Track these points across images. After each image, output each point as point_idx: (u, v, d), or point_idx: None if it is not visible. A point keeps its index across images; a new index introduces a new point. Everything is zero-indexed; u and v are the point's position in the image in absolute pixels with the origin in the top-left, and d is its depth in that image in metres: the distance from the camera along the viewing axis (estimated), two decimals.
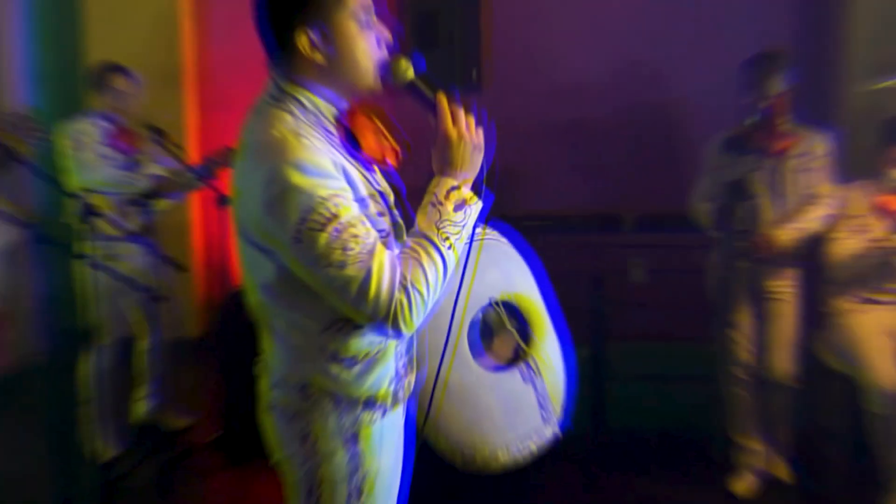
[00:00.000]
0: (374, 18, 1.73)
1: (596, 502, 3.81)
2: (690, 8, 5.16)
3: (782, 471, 3.89)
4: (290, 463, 1.82)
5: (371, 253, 1.56)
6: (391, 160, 1.86)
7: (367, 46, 1.71)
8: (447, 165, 1.69)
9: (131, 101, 4.23)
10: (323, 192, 1.55)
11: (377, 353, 1.77)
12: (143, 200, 4.05)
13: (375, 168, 1.80)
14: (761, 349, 3.75)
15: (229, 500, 3.89)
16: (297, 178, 1.54)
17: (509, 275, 2.24)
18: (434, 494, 2.44)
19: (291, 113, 1.67)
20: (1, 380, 5.07)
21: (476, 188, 1.74)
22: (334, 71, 1.70)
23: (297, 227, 1.54)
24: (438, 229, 1.65)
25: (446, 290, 1.71)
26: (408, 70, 1.73)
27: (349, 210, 1.57)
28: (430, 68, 4.94)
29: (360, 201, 1.65)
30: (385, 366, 1.80)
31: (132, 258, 4.14)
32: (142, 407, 4.54)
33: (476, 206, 1.71)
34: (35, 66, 5.67)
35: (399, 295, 1.57)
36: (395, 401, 1.85)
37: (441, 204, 1.66)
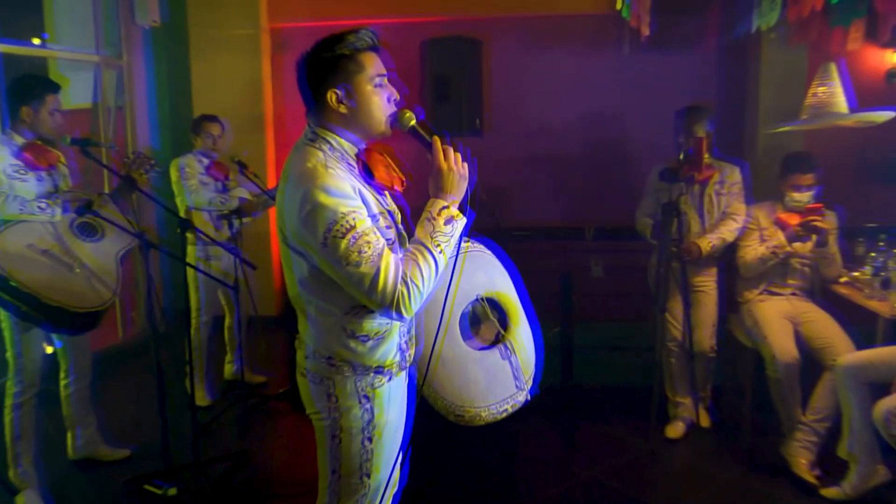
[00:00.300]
0: (386, 81, 1.77)
1: (564, 444, 3.75)
2: (641, 68, 5.12)
3: (704, 419, 3.82)
4: (319, 415, 1.83)
5: (380, 255, 1.60)
6: (398, 186, 1.87)
7: (380, 102, 1.75)
8: (439, 190, 1.71)
9: (221, 142, 4.23)
10: (343, 209, 1.60)
11: (385, 331, 1.79)
12: (232, 216, 4.06)
13: (385, 193, 1.83)
14: (689, 328, 3.68)
15: (292, 438, 3.88)
16: (324, 199, 1.59)
17: (492, 277, 2.21)
18: (432, 443, 2.44)
19: (322, 150, 1.70)
20: (129, 346, 5.13)
21: (462, 208, 1.75)
22: (355, 120, 1.74)
23: (324, 235, 1.59)
24: (432, 238, 1.67)
25: (438, 284, 1.72)
26: (410, 119, 1.76)
27: (363, 223, 1.61)
28: (443, 117, 4.94)
29: (373, 217, 1.67)
30: (391, 341, 1.81)
31: (221, 258, 4.16)
32: (230, 367, 4.57)
33: (461, 222, 1.72)
34: (157, 116, 5.71)
35: (401, 287, 1.61)
36: (399, 368, 1.85)
37: (434, 219, 1.68)
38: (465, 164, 1.71)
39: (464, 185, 1.71)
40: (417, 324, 1.95)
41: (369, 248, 1.60)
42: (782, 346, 3.34)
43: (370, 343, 1.78)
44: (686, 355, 3.73)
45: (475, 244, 2.17)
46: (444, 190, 1.70)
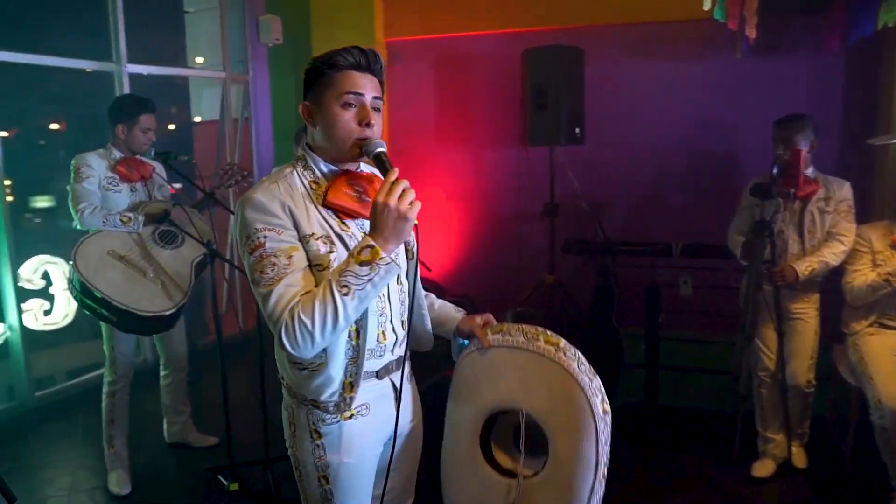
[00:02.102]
0: (364, 104, 1.53)
1: (641, 469, 3.35)
2: (749, 75, 4.52)
3: (799, 459, 3.26)
4: (287, 444, 1.69)
5: (278, 279, 1.45)
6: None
7: (344, 122, 1.52)
8: (371, 227, 1.45)
9: None
10: (258, 225, 1.48)
11: (318, 364, 1.55)
12: None
13: (344, 217, 1.58)
14: (783, 359, 3.15)
15: None
16: (246, 212, 1.49)
17: (549, 393, 1.69)
18: None
19: (294, 167, 1.58)
20: (233, 340, 5.26)
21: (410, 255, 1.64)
22: (322, 137, 1.56)
23: (241, 246, 1.51)
24: (339, 277, 1.42)
25: (342, 329, 1.47)
26: (376, 147, 1.51)
27: (275, 243, 1.47)
28: (542, 126, 4.61)
29: (302, 238, 1.50)
30: (323, 376, 1.57)
31: None
32: None
33: (384, 267, 1.42)
34: (277, 128, 5.84)
35: (287, 318, 1.42)
36: (340, 410, 1.60)
37: (353, 257, 1.43)
38: (414, 206, 1.42)
39: (402, 228, 1.42)
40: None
41: (272, 269, 1.46)
42: (890, 389, 2.76)
43: (305, 373, 1.58)
44: (779, 387, 3.20)
45: (563, 344, 1.69)
46: (374, 227, 1.43)
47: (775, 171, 3.04)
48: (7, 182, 4.08)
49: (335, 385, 1.57)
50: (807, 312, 3.16)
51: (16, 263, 3.88)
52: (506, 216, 5.38)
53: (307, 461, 1.64)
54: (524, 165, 5.21)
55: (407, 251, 1.71)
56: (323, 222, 1.53)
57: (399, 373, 1.72)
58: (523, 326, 1.69)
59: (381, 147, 1.52)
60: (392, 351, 1.67)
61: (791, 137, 3.04)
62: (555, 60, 4.50)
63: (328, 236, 1.53)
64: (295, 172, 1.57)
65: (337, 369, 1.57)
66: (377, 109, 1.57)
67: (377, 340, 1.62)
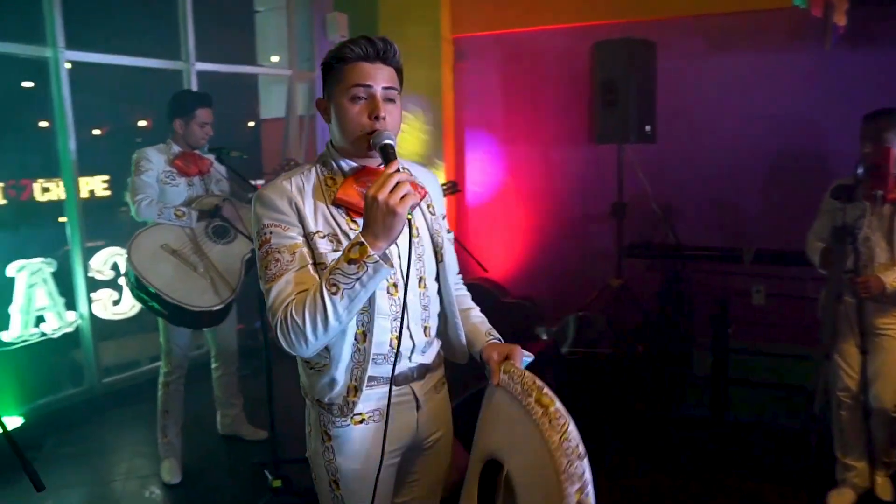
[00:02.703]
0: (374, 95, 1.46)
1: (707, 489, 3.13)
2: (837, 68, 4.16)
3: (884, 490, 2.96)
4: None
5: (279, 275, 1.43)
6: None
7: (353, 115, 1.46)
8: (363, 224, 1.36)
9: None
10: (266, 220, 1.47)
11: (323, 364, 1.53)
12: None
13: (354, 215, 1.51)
14: (867, 379, 2.86)
15: None
16: (256, 208, 1.50)
17: (527, 461, 1.40)
18: None
19: (315, 165, 1.56)
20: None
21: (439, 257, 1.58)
22: (337, 133, 1.52)
23: (254, 240, 1.51)
24: (329, 275, 1.36)
25: (336, 330, 1.40)
26: (383, 139, 1.42)
27: (279, 239, 1.46)
28: (611, 123, 4.42)
29: (307, 235, 1.47)
30: (327, 376, 1.52)
31: None
32: None
33: (372, 266, 1.33)
34: None
35: (281, 315, 1.39)
36: (343, 413, 1.54)
37: (343, 254, 1.35)
38: (405, 200, 1.31)
39: (391, 224, 1.32)
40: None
41: (275, 265, 1.44)
42: None
43: (312, 372, 1.56)
44: (861, 410, 2.91)
45: (553, 409, 1.34)
46: (365, 223, 1.35)
47: (861, 171, 2.76)
48: (105, 178, 4.26)
49: (339, 387, 1.52)
50: (894, 329, 2.86)
51: (87, 255, 4.04)
52: (572, 216, 5.20)
53: (318, 464, 1.60)
54: (592, 164, 5.03)
55: (436, 253, 1.62)
56: (331, 220, 1.48)
57: (421, 381, 1.63)
58: (526, 375, 1.45)
59: (387, 139, 1.43)
60: (410, 358, 1.59)
61: (881, 134, 2.75)
62: (625, 55, 4.30)
63: (334, 234, 1.48)
64: (314, 169, 1.54)
65: (341, 372, 1.51)
66: (391, 100, 1.49)
67: (389, 346, 1.53)
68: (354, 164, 1.53)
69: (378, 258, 1.33)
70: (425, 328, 1.60)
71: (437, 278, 1.65)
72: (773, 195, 4.36)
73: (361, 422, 1.55)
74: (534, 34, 5.21)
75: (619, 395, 3.82)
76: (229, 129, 6.89)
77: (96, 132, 5.21)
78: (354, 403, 1.52)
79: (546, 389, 1.36)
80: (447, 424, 1.76)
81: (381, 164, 1.55)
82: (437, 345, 1.69)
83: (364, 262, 1.32)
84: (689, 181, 4.61)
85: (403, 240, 1.52)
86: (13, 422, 3.53)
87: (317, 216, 1.47)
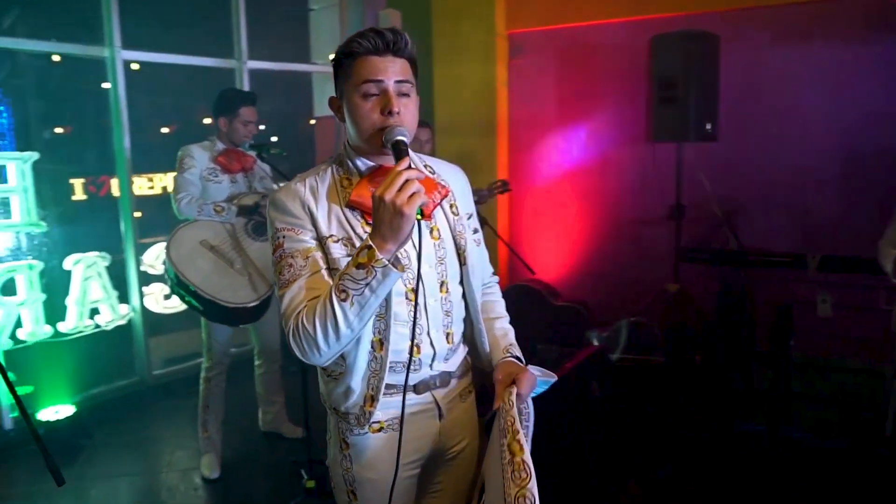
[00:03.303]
0: (387, 90, 1.39)
1: None
2: None
3: None
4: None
5: (292, 281, 1.38)
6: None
7: (365, 111, 1.40)
8: (373, 225, 1.29)
9: (426, 147, 4.10)
10: (278, 224, 1.43)
11: (339, 373, 1.47)
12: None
13: (369, 218, 1.45)
14: None
15: None
16: (270, 211, 1.46)
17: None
18: None
19: (330, 165, 1.51)
20: None
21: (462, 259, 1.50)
22: (350, 130, 1.46)
23: (270, 244, 1.47)
24: (339, 281, 1.30)
25: (350, 338, 1.34)
26: (395, 136, 1.36)
27: (292, 243, 1.41)
28: (668, 120, 4.22)
29: (320, 239, 1.42)
30: (343, 385, 1.46)
31: None
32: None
33: (383, 271, 1.26)
34: None
35: (293, 323, 1.34)
36: (360, 424, 1.48)
37: (352, 259, 1.30)
38: (413, 200, 1.24)
39: (399, 225, 1.25)
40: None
41: (288, 270, 1.39)
42: None
43: (328, 380, 1.51)
44: None
45: (519, 459, 1.30)
46: (375, 225, 1.28)
47: None
48: (162, 175, 4.35)
49: (355, 396, 1.46)
50: None
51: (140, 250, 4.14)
52: (627, 217, 5.01)
53: (336, 472, 1.55)
54: (649, 163, 4.81)
55: (459, 256, 1.54)
56: (345, 223, 1.42)
57: (444, 390, 1.56)
58: (510, 413, 1.38)
59: (399, 135, 1.36)
60: (431, 365, 1.52)
61: None
62: (685, 48, 4.09)
63: (348, 238, 1.41)
64: (330, 169, 1.49)
65: (357, 381, 1.45)
66: (405, 94, 1.41)
67: (409, 353, 1.46)
68: (371, 163, 1.47)
69: (386, 262, 1.26)
70: (448, 334, 1.53)
71: (462, 282, 1.57)
72: (844, 198, 4.05)
73: (380, 430, 1.49)
74: (590, 28, 5.04)
75: (672, 406, 3.64)
76: (284, 127, 7.02)
77: (165, 130, 5.36)
78: (371, 413, 1.46)
79: (520, 436, 1.29)
80: (473, 433, 1.69)
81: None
82: (462, 351, 1.62)
83: (372, 266, 1.26)
84: (753, 182, 4.35)
85: (424, 245, 1.45)
86: (65, 410, 3.64)
87: (330, 219, 1.42)
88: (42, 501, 3.11)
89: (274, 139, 6.54)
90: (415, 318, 1.42)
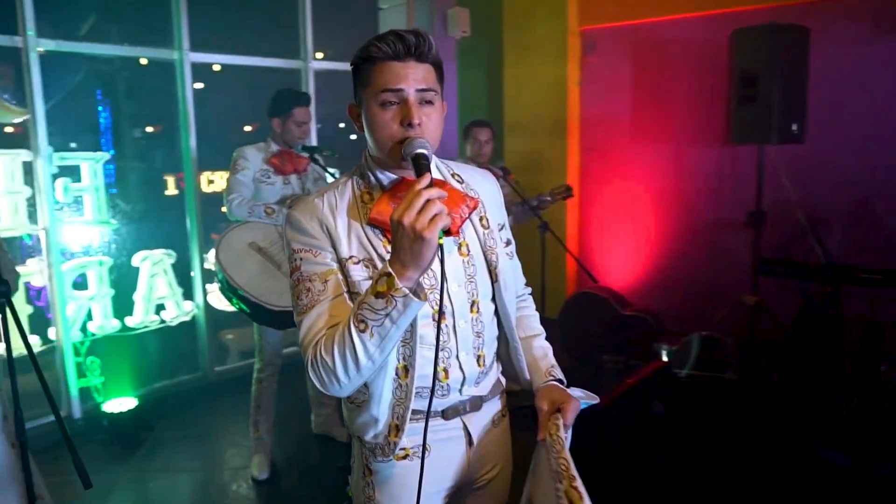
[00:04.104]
0: (405, 100, 1.27)
1: None
2: None
3: None
4: None
5: (310, 307, 1.28)
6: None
7: (383, 122, 1.28)
8: (392, 250, 1.18)
9: (487, 147, 3.97)
10: (295, 245, 1.33)
11: (361, 401, 1.36)
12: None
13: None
14: None
15: None
16: (286, 230, 1.35)
17: None
18: None
19: (351, 178, 1.40)
20: None
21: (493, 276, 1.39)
22: (370, 142, 1.34)
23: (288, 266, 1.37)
24: (357, 310, 1.20)
25: (370, 371, 1.25)
26: (415, 149, 1.24)
27: (309, 266, 1.31)
28: (749, 121, 3.95)
29: (339, 261, 1.31)
30: (366, 414, 1.36)
31: None
32: None
33: (401, 300, 1.16)
34: (461, 125, 5.71)
35: (311, 353, 1.25)
36: (385, 454, 1.38)
37: (370, 286, 1.19)
38: (434, 223, 1.13)
39: (420, 251, 1.14)
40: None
41: (306, 295, 1.29)
42: None
43: (351, 407, 1.40)
44: None
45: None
46: (394, 250, 1.17)
47: None
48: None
49: (380, 426, 1.36)
50: None
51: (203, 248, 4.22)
52: (703, 223, 4.72)
53: (359, 500, 1.46)
54: (727, 166, 4.52)
55: (490, 272, 1.42)
56: (366, 242, 1.31)
57: (475, 414, 1.45)
58: (562, 455, 1.26)
59: (420, 147, 1.24)
60: (461, 390, 1.41)
61: None
62: (769, 43, 3.79)
63: (370, 259, 1.31)
64: (350, 182, 1.38)
65: (381, 410, 1.34)
66: (428, 102, 1.29)
67: (437, 378, 1.35)
68: (393, 176, 1.35)
69: (407, 292, 1.15)
70: (479, 357, 1.42)
71: (494, 299, 1.45)
72: None
73: (405, 457, 1.38)
74: (667, 24, 4.77)
75: (746, 428, 3.37)
76: (352, 128, 6.98)
77: (248, 128, 5.47)
78: (396, 444, 1.36)
79: (577, 482, 1.17)
80: (506, 458, 1.57)
81: None
82: (495, 373, 1.51)
83: (392, 295, 1.15)
84: (842, 189, 4.00)
85: (452, 262, 1.37)
86: (128, 402, 3.74)
87: (350, 238, 1.31)
88: (101, 493, 3.20)
89: (353, 137, 6.58)
90: (438, 342, 1.27)
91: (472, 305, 1.40)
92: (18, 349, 3.52)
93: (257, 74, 4.47)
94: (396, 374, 1.33)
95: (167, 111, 4.13)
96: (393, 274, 1.15)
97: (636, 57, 4.99)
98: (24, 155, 3.49)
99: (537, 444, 1.38)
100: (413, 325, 1.30)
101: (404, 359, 1.32)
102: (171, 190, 4.75)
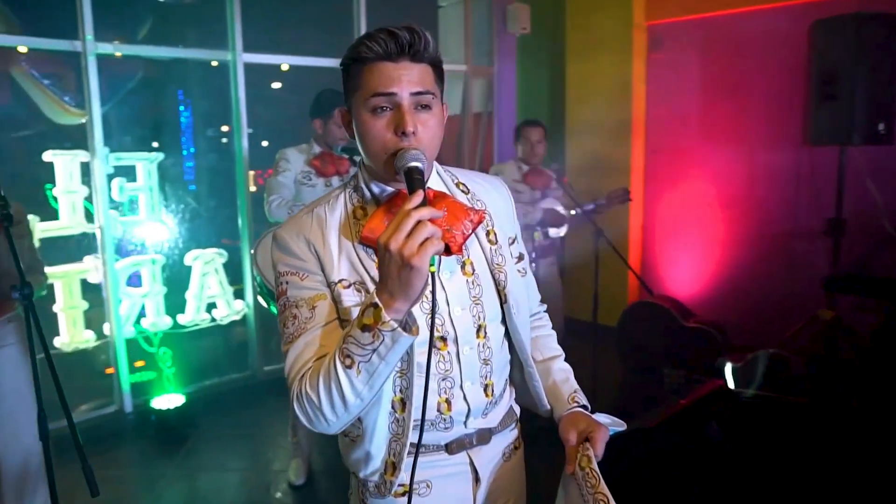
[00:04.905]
0: (398, 105, 1.14)
1: None
2: None
3: None
4: None
5: (296, 336, 1.17)
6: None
7: (375, 130, 1.15)
8: (380, 278, 1.05)
9: (538, 148, 3.79)
10: (281, 268, 1.21)
11: (356, 435, 1.24)
12: (534, 229, 3.63)
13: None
14: None
15: None
16: (273, 249, 1.24)
17: None
18: None
19: (344, 191, 1.26)
20: None
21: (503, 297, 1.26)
22: (362, 151, 1.21)
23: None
24: (343, 343, 1.08)
25: (359, 409, 1.13)
26: (407, 161, 1.11)
27: (295, 291, 1.19)
28: (829, 120, 3.61)
29: (329, 285, 1.18)
30: (360, 450, 1.24)
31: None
32: None
33: (392, 335, 1.03)
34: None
35: (297, 388, 1.14)
36: (381, 493, 1.26)
37: (357, 318, 1.07)
38: (424, 250, 1.00)
39: (408, 280, 1.01)
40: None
41: (292, 323, 1.18)
42: None
43: (346, 441, 1.28)
44: None
45: None
46: (382, 278, 1.05)
47: None
48: None
49: (376, 463, 1.24)
50: None
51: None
52: (777, 231, 4.37)
53: None
54: (805, 170, 4.16)
55: (499, 292, 1.29)
56: (358, 264, 1.19)
57: (482, 448, 1.32)
58: (599, 490, 1.15)
59: (413, 161, 1.10)
60: (465, 423, 1.27)
61: None
62: (853, 34, 3.44)
63: (362, 283, 1.18)
64: (343, 196, 1.25)
65: (377, 446, 1.22)
66: (425, 107, 1.15)
67: (438, 410, 1.24)
68: (388, 189, 1.22)
69: (395, 325, 1.03)
70: (486, 386, 1.28)
71: (504, 321, 1.31)
72: None
73: (403, 494, 1.26)
74: (740, 16, 4.43)
75: (817, 457, 3.07)
76: None
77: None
78: (392, 483, 1.24)
79: None
80: (518, 493, 1.43)
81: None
82: (507, 402, 1.37)
83: (379, 329, 1.04)
84: None
85: (455, 284, 1.24)
86: (177, 399, 3.78)
87: (340, 259, 1.19)
88: (146, 486, 3.24)
89: None
90: (428, 371, 1.10)
91: (478, 330, 1.26)
92: (73, 344, 3.62)
93: (319, 74, 4.45)
94: (393, 407, 1.21)
95: (259, 110, 4.17)
96: (380, 305, 1.03)
97: (706, 52, 4.67)
98: (81, 155, 3.57)
99: (563, 478, 1.26)
100: (410, 353, 1.17)
101: (401, 391, 1.20)
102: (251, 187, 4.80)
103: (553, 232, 3.75)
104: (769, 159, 4.38)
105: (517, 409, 1.42)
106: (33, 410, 1.98)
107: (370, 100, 1.14)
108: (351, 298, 1.17)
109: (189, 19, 4.15)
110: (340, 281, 1.18)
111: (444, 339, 1.23)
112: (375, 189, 1.23)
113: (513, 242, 1.36)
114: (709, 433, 3.14)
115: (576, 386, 1.39)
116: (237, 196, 4.16)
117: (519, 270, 1.35)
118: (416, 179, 1.08)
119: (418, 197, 1.03)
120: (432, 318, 1.08)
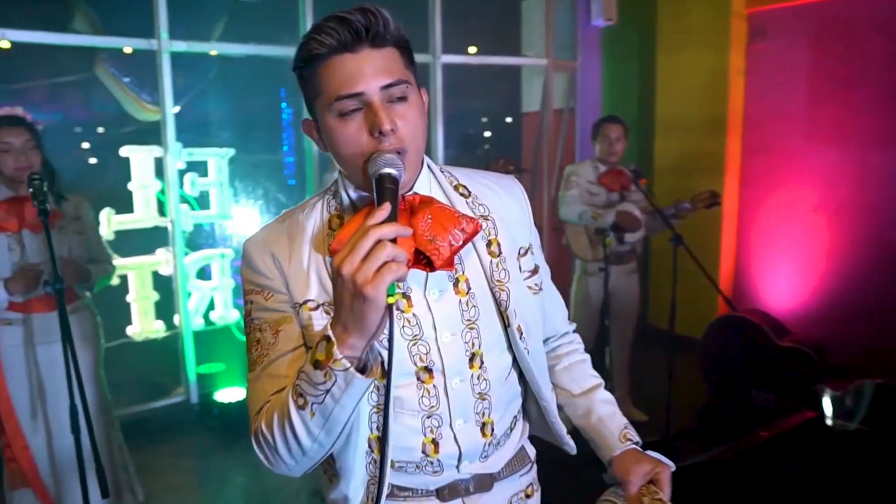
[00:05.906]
0: (369, 103, 0.96)
1: None
2: None
3: None
4: None
5: (258, 362, 1.03)
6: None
7: (346, 137, 0.98)
8: (335, 306, 0.90)
9: (617, 146, 3.50)
10: (246, 286, 1.08)
11: (335, 471, 1.08)
12: (607, 233, 3.35)
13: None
14: None
15: None
16: (242, 266, 1.10)
17: None
18: None
19: (323, 198, 1.11)
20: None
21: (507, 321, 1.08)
22: (336, 162, 1.05)
23: None
24: (296, 380, 0.93)
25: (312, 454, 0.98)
26: (380, 167, 0.94)
27: (260, 312, 1.05)
28: None
29: (294, 306, 1.03)
30: (336, 492, 1.07)
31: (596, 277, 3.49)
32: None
33: (345, 376, 0.88)
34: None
35: (255, 424, 1.01)
36: None
37: (311, 352, 0.91)
38: (380, 277, 0.83)
39: (362, 311, 0.85)
40: None
41: (256, 348, 1.04)
42: None
43: (324, 478, 1.13)
44: None
45: None
46: (336, 307, 0.89)
47: None
48: None
49: (351, 500, 1.08)
50: None
51: None
52: (890, 242, 3.85)
53: None
54: None
55: (501, 314, 1.09)
56: (328, 282, 1.02)
57: (482, 495, 1.13)
58: None
59: (386, 166, 0.94)
60: (458, 467, 1.09)
61: None
62: None
63: (332, 304, 1.00)
64: (321, 203, 1.10)
65: (354, 488, 1.06)
66: (400, 98, 0.98)
67: (423, 452, 1.07)
68: (366, 195, 1.06)
69: (348, 365, 0.88)
70: (483, 425, 1.09)
71: (511, 346, 1.12)
72: None
73: None
74: (855, 1, 3.93)
75: None
76: (487, 123, 6.73)
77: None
78: None
79: None
80: None
81: (411, 192, 1.05)
82: (515, 444, 1.18)
83: (331, 368, 0.88)
84: None
85: (444, 305, 1.06)
86: (238, 393, 3.79)
87: (309, 276, 1.03)
88: (198, 479, 3.25)
89: (487, 134, 6.33)
90: (387, 408, 0.93)
91: (471, 359, 1.07)
92: (144, 334, 3.70)
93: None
94: (370, 446, 1.04)
95: None
96: (332, 339, 0.87)
97: (814, 42, 4.18)
98: (155, 151, 3.63)
99: None
100: (388, 385, 0.99)
101: (378, 428, 1.03)
102: None
103: (629, 237, 3.45)
104: (883, 160, 3.88)
105: (531, 451, 1.22)
106: (91, 402, 1.99)
107: (334, 104, 0.97)
108: (320, 322, 1.01)
109: (260, 16, 4.16)
110: (306, 302, 1.02)
111: (429, 370, 1.05)
112: (353, 195, 1.07)
113: (524, 254, 1.14)
114: (792, 471, 2.78)
115: (625, 420, 1.22)
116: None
117: (531, 287, 1.14)
118: (386, 189, 0.92)
119: (383, 211, 0.87)
120: (390, 360, 0.89)
